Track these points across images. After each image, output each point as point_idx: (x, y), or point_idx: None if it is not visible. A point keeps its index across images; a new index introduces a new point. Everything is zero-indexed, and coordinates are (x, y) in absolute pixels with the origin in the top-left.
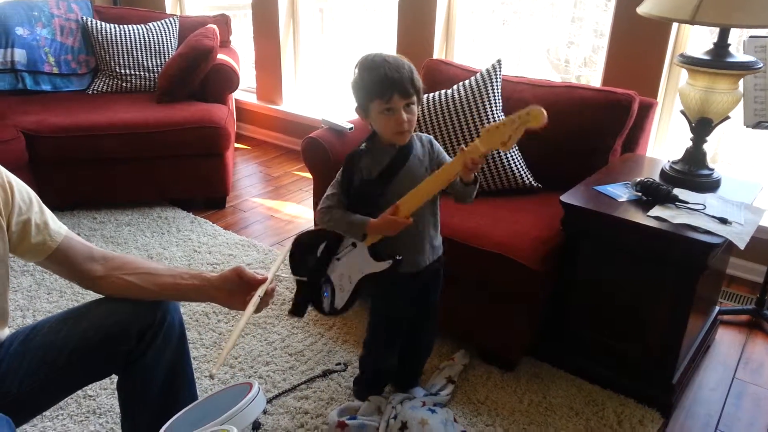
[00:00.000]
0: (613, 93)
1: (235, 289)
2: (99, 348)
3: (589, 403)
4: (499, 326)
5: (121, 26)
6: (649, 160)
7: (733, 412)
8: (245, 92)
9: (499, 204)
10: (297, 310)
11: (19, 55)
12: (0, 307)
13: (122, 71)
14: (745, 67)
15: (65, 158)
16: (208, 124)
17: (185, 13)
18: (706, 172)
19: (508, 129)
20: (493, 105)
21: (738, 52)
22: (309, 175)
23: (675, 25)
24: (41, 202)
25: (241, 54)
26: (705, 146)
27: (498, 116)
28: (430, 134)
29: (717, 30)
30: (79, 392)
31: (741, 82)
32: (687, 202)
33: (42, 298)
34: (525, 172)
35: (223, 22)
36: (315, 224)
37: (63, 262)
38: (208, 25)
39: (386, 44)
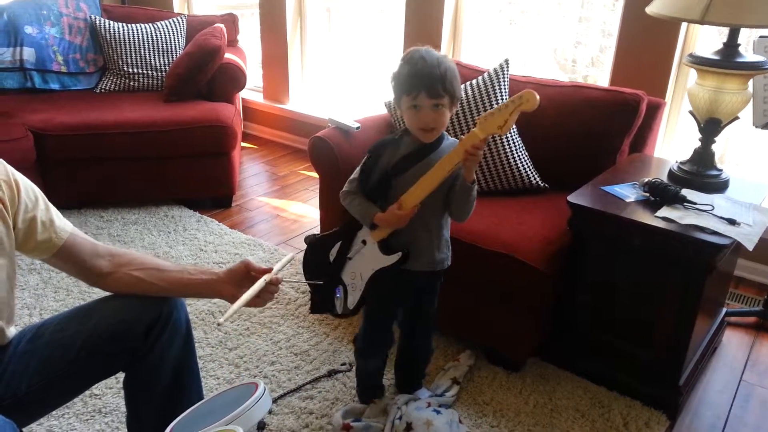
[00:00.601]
0: (621, 93)
1: (242, 282)
2: (106, 345)
3: (595, 405)
4: (505, 327)
5: (129, 25)
6: (657, 160)
7: (740, 414)
8: (252, 91)
9: (505, 204)
10: (317, 307)
11: (28, 53)
12: (7, 305)
13: (130, 70)
14: (754, 68)
15: (73, 157)
16: (215, 123)
17: (193, 12)
18: (714, 172)
19: (504, 113)
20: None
21: (747, 52)
22: (315, 175)
23: (684, 24)
24: (47, 199)
25: (248, 53)
26: (713, 147)
27: None
28: None
29: (726, 30)
30: (85, 391)
31: (750, 82)
32: (695, 203)
33: (49, 296)
34: (532, 173)
35: (231, 21)
36: (321, 221)
37: (69, 259)
38: (216, 25)
39: (393, 45)
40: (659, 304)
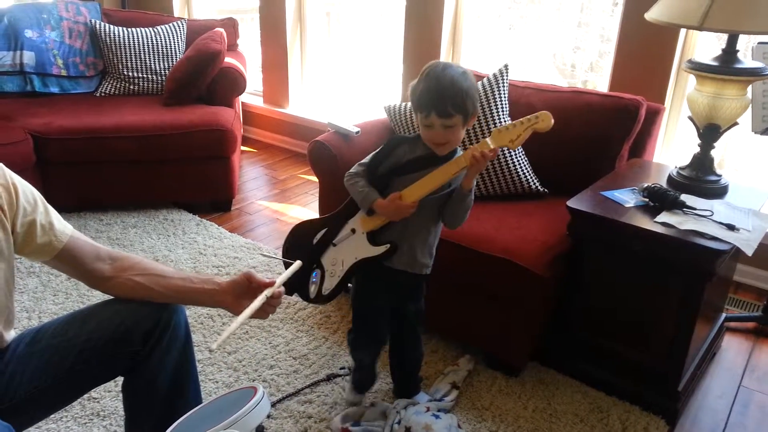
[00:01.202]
0: (620, 98)
1: (244, 294)
2: (105, 350)
3: (594, 410)
4: (504, 331)
5: (129, 29)
6: (656, 165)
7: (739, 420)
8: (252, 95)
9: (505, 209)
10: (289, 288)
11: (28, 57)
12: (6, 308)
13: (130, 74)
14: (753, 74)
15: (72, 160)
16: (214, 127)
17: (193, 16)
18: (713, 178)
19: (518, 129)
20: (500, 109)
21: (746, 58)
22: (315, 179)
23: (682, 30)
24: (46, 202)
25: (248, 57)
26: (712, 152)
27: (504, 120)
28: None
29: (725, 36)
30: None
31: (749, 88)
32: (694, 208)
33: (48, 299)
34: (531, 177)
35: (231, 25)
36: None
37: (69, 261)
38: (216, 29)
39: (393, 49)
40: (659, 309)
